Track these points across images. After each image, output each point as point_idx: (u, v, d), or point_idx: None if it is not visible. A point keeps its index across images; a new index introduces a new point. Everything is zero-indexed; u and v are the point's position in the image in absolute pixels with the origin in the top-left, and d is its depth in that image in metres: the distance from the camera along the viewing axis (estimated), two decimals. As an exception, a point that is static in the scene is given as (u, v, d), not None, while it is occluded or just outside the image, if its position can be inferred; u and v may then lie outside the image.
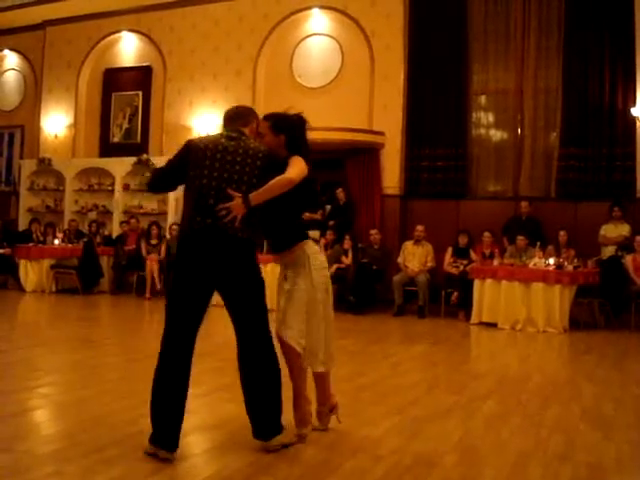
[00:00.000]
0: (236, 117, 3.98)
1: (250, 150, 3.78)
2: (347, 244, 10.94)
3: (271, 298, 3.96)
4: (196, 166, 3.75)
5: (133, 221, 12.75)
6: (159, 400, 3.69)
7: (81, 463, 3.53)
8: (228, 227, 3.63)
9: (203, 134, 13.33)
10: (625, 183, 10.56)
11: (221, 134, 3.90)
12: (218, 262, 3.69)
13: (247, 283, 3.78)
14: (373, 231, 11.24)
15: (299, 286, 3.98)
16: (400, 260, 10.87)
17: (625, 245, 9.91)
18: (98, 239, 12.57)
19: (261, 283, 3.86)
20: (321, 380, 4.21)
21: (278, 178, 3.68)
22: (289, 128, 4.04)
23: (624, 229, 10.06)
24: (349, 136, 11.44)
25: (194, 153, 3.78)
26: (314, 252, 4.07)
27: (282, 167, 3.78)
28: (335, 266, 10.64)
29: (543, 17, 11.41)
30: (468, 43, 11.81)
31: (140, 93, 14.48)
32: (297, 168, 3.79)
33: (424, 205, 11.94)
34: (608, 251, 10.05)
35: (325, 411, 4.27)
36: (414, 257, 10.78)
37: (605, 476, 3.65)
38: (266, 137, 4.00)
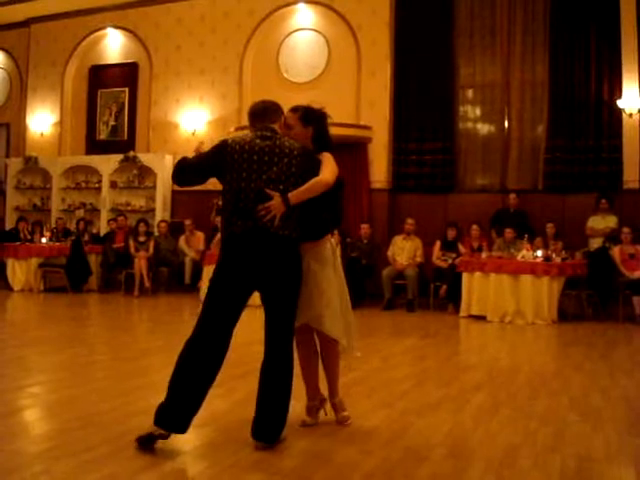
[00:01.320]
0: (265, 113, 3.95)
1: (286, 149, 3.79)
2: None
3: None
4: (233, 169, 3.76)
5: (121, 219, 12.71)
6: (181, 387, 3.73)
7: (70, 462, 3.52)
8: (269, 227, 3.69)
9: (190, 130, 13.33)
10: (612, 175, 10.62)
11: (255, 134, 3.86)
12: (262, 263, 3.75)
13: (288, 283, 3.84)
14: (364, 225, 11.23)
15: (329, 277, 4.05)
16: (389, 254, 10.89)
17: (612, 237, 9.96)
18: (86, 237, 12.51)
19: (299, 284, 3.91)
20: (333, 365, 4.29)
21: (316, 180, 3.76)
22: (317, 120, 4.09)
23: (611, 221, 10.11)
24: (336, 131, 11.23)
25: (230, 155, 3.78)
26: (335, 246, 4.20)
27: (316, 163, 3.86)
28: (324, 261, 10.66)
29: (529, 10, 11.44)
30: (454, 37, 11.83)
31: (126, 90, 14.42)
32: (331, 168, 3.86)
33: (412, 199, 11.96)
34: (595, 243, 10.10)
35: (316, 405, 4.29)
36: (403, 251, 10.79)
37: (594, 467, 3.67)
38: (294, 129, 4.01)
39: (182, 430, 3.72)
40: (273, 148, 3.78)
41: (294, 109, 4.10)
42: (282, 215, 3.68)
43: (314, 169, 3.81)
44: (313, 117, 4.09)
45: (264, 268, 3.76)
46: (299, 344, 4.18)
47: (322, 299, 4.01)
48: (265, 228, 3.69)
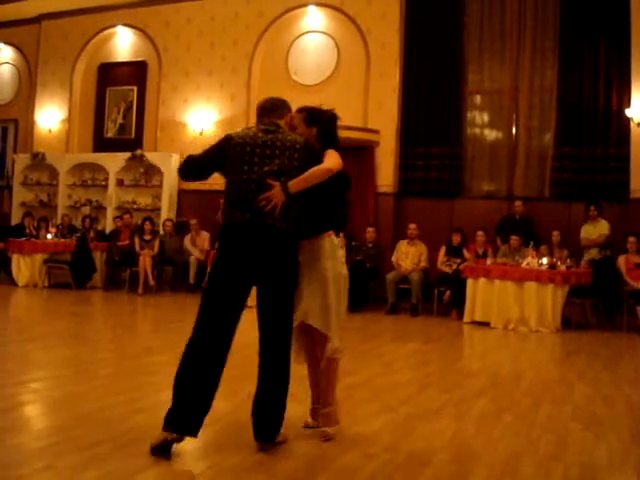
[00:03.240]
0: (271, 109, 4.01)
1: (287, 142, 3.83)
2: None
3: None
4: (235, 161, 3.81)
5: (127, 216, 12.72)
6: (186, 388, 3.72)
7: (72, 458, 3.53)
8: (267, 218, 3.69)
9: (198, 130, 13.36)
10: (619, 184, 10.57)
11: (258, 128, 3.92)
12: (259, 255, 3.74)
13: (285, 277, 3.83)
14: (370, 229, 11.22)
15: (324, 274, 3.97)
16: (393, 259, 10.87)
17: (607, 244, 9.92)
18: (91, 234, 12.52)
19: (296, 279, 3.91)
20: (331, 372, 4.17)
21: (316, 167, 3.75)
22: (322, 121, 4.12)
23: (603, 227, 10.03)
24: (344, 134, 11.20)
25: (233, 148, 3.82)
26: (338, 244, 4.15)
27: (319, 158, 3.85)
28: (328, 264, 10.67)
29: (539, 17, 11.42)
30: (463, 42, 11.81)
31: (135, 88, 14.44)
32: (334, 159, 3.87)
33: (418, 203, 11.94)
34: (591, 252, 10.03)
35: (321, 409, 4.27)
36: (407, 257, 10.78)
37: (596, 476, 3.66)
38: (299, 129, 4.05)
39: (194, 432, 3.70)
40: (275, 141, 3.81)
41: (300, 109, 4.15)
42: (282, 205, 3.68)
43: (316, 162, 3.81)
44: (317, 118, 4.12)
45: (260, 261, 3.74)
46: (304, 347, 4.17)
47: (314, 296, 3.94)
48: (263, 220, 3.70)
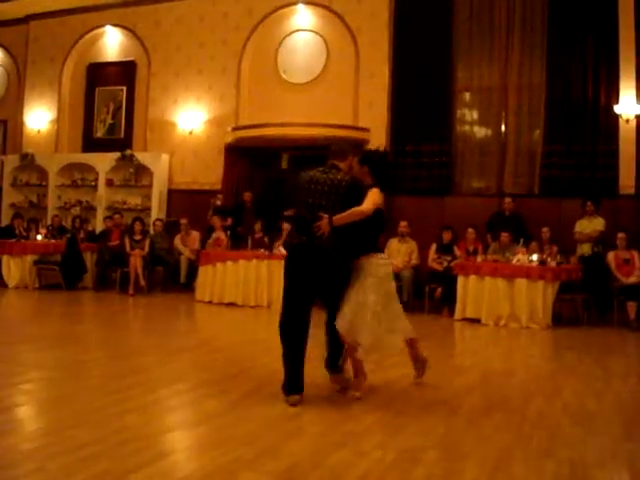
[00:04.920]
0: (336, 152, 5.10)
1: (336, 181, 4.92)
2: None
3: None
4: (298, 196, 5.00)
5: (117, 217, 12.66)
6: (286, 359, 4.86)
7: (64, 460, 3.52)
8: (316, 242, 4.79)
9: (187, 129, 13.34)
10: (608, 180, 10.62)
11: (318, 169, 4.99)
12: (311, 267, 4.85)
13: (328, 281, 4.99)
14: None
15: (364, 285, 5.01)
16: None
17: (601, 240, 9.96)
18: (81, 235, 12.45)
19: (338, 281, 5.01)
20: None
21: (354, 209, 4.80)
22: (370, 161, 5.20)
23: (598, 224, 10.06)
24: (334, 132, 11.40)
25: (298, 186, 5.01)
26: (379, 263, 5.18)
27: (362, 192, 4.90)
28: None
29: (527, 14, 11.45)
30: (453, 40, 11.83)
31: (124, 88, 14.41)
32: (370, 201, 4.86)
33: (409, 201, 11.93)
34: (584, 247, 10.07)
35: (361, 380, 5.18)
36: (398, 254, 10.78)
37: (587, 471, 3.68)
38: (355, 168, 5.12)
39: (300, 390, 4.79)
40: (326, 180, 4.91)
41: (357, 152, 5.23)
42: (329, 234, 4.74)
43: (358, 199, 4.83)
44: (367, 158, 5.22)
45: (312, 271, 4.85)
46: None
47: (382, 305, 5.06)
48: (313, 243, 4.80)
